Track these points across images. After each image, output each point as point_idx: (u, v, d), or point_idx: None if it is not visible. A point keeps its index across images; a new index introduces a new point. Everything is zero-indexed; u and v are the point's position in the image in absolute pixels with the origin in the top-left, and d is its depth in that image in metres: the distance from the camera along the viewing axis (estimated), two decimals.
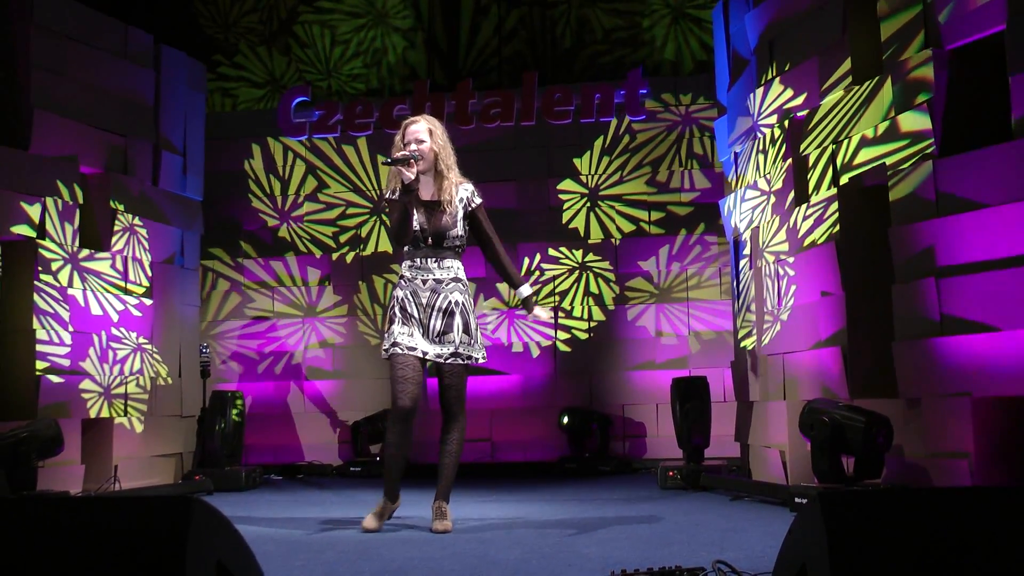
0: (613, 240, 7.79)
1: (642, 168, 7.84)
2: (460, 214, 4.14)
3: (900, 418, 4.22)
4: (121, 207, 5.97)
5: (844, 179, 4.68)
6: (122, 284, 5.90)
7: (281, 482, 6.84)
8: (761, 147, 5.41)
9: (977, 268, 3.94)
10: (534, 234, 7.87)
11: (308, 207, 8.12)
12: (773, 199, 5.24)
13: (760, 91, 5.34)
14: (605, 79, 8.00)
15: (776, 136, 5.23)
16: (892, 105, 4.38)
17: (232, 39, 8.62)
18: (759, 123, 5.39)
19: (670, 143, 7.83)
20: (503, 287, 7.81)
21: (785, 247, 5.08)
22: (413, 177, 3.97)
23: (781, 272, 5.09)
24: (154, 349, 6.13)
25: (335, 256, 8.03)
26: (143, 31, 6.31)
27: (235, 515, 4.44)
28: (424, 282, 4.09)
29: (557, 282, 7.83)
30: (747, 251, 5.68)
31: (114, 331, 5.77)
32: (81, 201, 5.65)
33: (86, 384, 5.51)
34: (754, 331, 5.44)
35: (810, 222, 4.86)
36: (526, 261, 7.86)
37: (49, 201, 5.39)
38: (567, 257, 7.84)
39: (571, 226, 7.87)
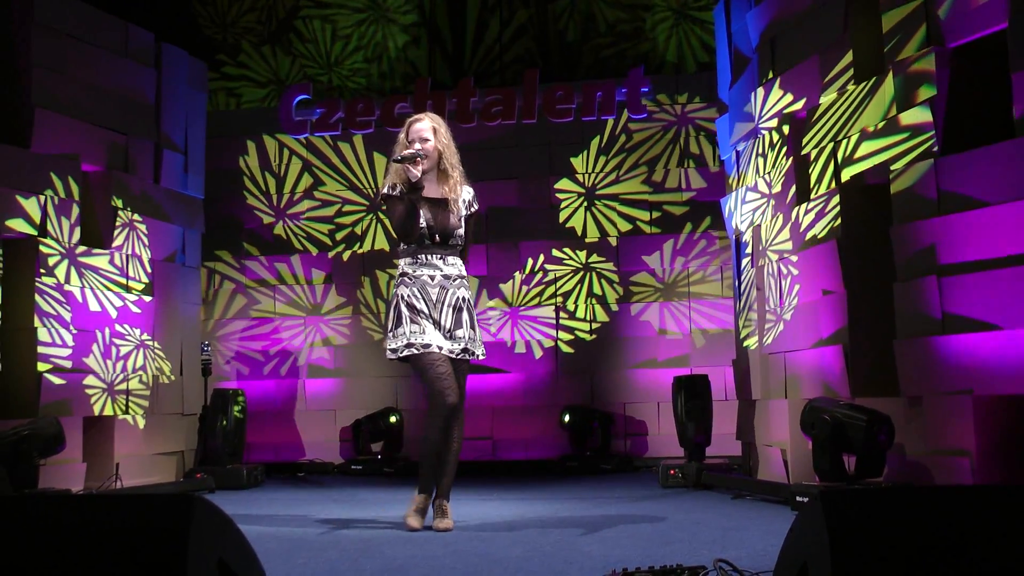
0: (610, 239, 7.78)
1: (638, 168, 7.83)
2: (463, 214, 4.17)
3: (901, 416, 4.21)
4: (122, 205, 5.97)
5: (845, 174, 4.67)
6: (122, 281, 5.88)
7: (278, 481, 6.85)
8: (761, 150, 5.41)
9: (979, 266, 3.94)
10: (535, 232, 7.86)
11: (305, 204, 8.10)
12: (774, 201, 5.24)
13: (761, 91, 5.34)
14: (609, 75, 7.99)
15: (775, 140, 5.22)
16: (893, 102, 4.37)
17: (231, 39, 8.61)
18: (760, 125, 5.38)
19: (666, 142, 7.82)
20: (506, 287, 7.81)
21: (788, 245, 5.07)
22: (419, 175, 3.98)
23: (784, 271, 5.09)
24: (156, 346, 6.14)
25: (331, 254, 8.01)
26: (144, 29, 6.31)
27: (237, 513, 4.44)
28: (432, 278, 4.09)
29: (560, 283, 7.82)
30: (749, 250, 5.67)
31: (117, 327, 5.77)
32: (82, 199, 5.64)
33: (90, 380, 5.52)
34: (756, 331, 5.43)
35: (811, 216, 4.86)
36: (529, 262, 7.85)
37: (50, 199, 5.39)
38: (571, 258, 7.83)
39: (568, 225, 7.86)
